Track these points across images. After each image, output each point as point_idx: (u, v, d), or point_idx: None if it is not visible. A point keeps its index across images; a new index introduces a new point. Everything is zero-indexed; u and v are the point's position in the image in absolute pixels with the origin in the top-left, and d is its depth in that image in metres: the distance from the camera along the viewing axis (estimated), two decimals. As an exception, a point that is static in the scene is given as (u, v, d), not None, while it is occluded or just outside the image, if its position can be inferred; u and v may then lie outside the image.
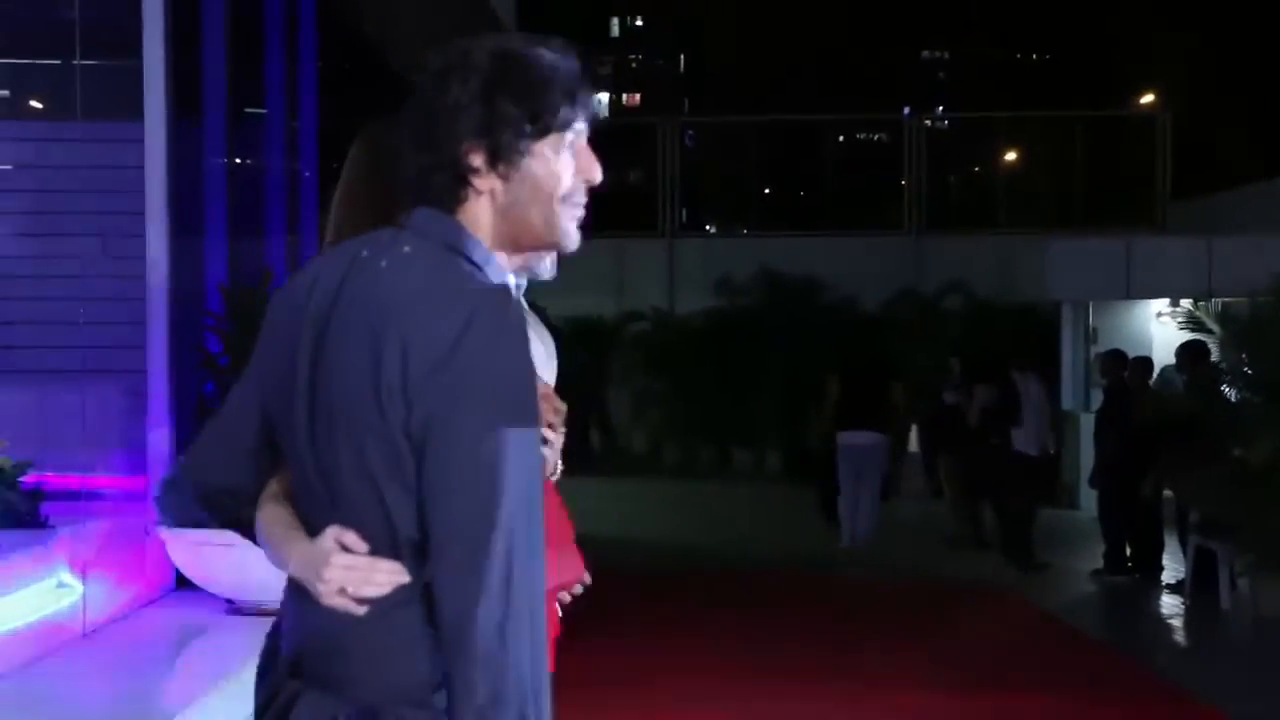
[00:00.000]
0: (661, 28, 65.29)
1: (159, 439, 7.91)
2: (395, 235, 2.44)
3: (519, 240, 2.48)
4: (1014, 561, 13.88)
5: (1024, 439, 14.18)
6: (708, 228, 29.04)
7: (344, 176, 3.08)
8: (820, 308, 22.67)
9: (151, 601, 7.83)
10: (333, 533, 2.37)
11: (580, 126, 2.48)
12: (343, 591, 2.36)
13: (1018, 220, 26.23)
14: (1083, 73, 50.43)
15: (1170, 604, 12.65)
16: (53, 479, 7.49)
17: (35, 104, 9.78)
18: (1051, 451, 14.46)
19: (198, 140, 8.56)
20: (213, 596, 7.59)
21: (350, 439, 2.33)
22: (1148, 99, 36.42)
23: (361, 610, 2.35)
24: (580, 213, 2.50)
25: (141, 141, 7.96)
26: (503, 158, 2.41)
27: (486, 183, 2.43)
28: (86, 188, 8.48)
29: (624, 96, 66.99)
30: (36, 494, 7.15)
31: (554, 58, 2.46)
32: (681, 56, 65.08)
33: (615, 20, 68.67)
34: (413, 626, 2.33)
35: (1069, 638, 11.17)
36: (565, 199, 2.47)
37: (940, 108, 47.11)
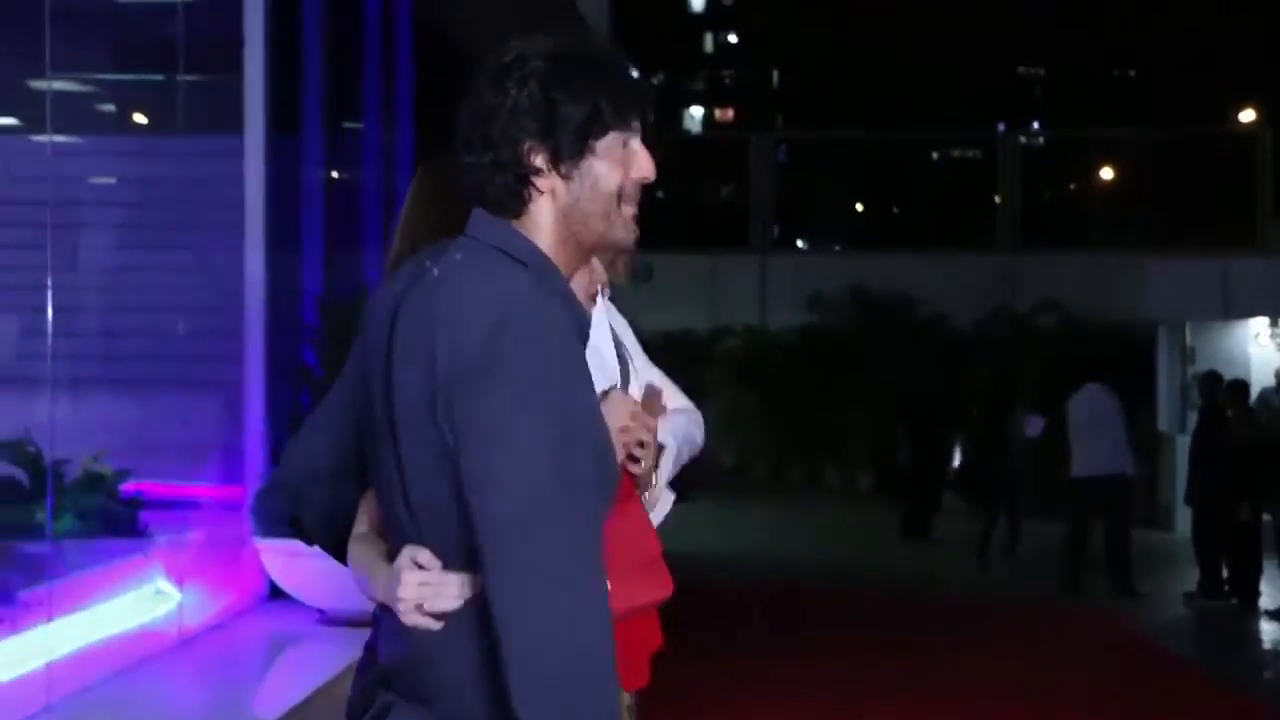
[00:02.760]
0: (755, 43, 65.25)
1: (255, 449, 8.00)
2: (454, 243, 2.48)
3: (580, 239, 2.49)
4: (1118, 587, 13.64)
5: (1085, 460, 13.87)
6: (800, 244, 28.98)
7: (406, 206, 3.14)
8: (912, 325, 22.56)
9: (246, 610, 7.91)
10: (408, 552, 2.40)
11: (636, 125, 2.50)
12: (419, 608, 2.38)
13: (1114, 239, 26.00)
14: (1181, 89, 49.90)
15: (1270, 630, 12.47)
16: (152, 487, 7.60)
17: (139, 118, 9.93)
18: (1128, 472, 13.92)
19: (296, 154, 8.66)
20: (306, 606, 7.66)
21: (416, 443, 2.35)
22: (1248, 115, 35.96)
23: (438, 625, 2.37)
24: (634, 210, 2.52)
25: (241, 155, 8.07)
26: (564, 157, 2.43)
27: (548, 183, 2.45)
28: (187, 200, 8.60)
29: (717, 112, 67.00)
30: (135, 502, 7.27)
31: (609, 57, 2.50)
32: (775, 72, 65.00)
33: (709, 35, 68.73)
34: (475, 639, 2.33)
35: (1162, 661, 11.04)
36: (623, 197, 2.49)
37: (1035, 124, 46.76)
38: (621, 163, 2.47)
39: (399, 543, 2.44)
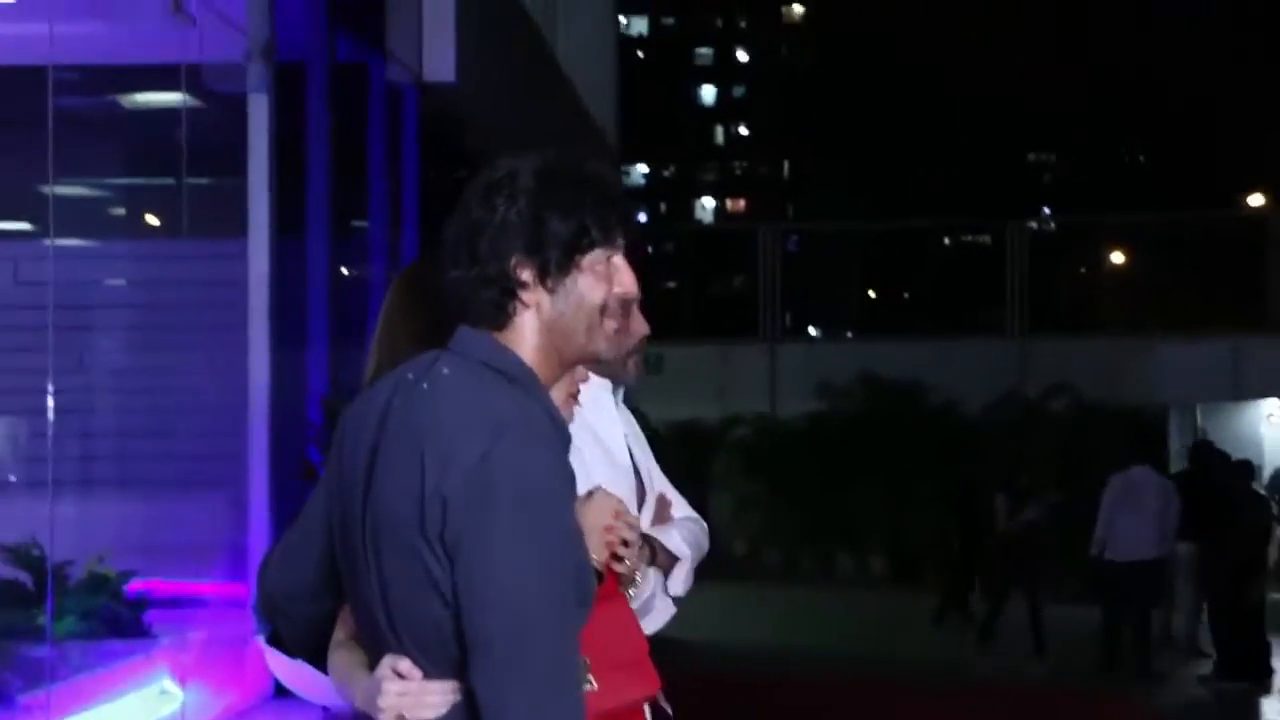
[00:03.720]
0: (766, 135, 65.67)
1: (259, 547, 8.04)
2: (437, 356, 2.52)
3: (563, 352, 2.54)
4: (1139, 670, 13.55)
5: (1128, 544, 13.67)
6: (810, 331, 29.06)
7: (383, 315, 3.17)
8: (923, 411, 22.56)
9: (250, 709, 7.91)
10: (388, 661, 2.43)
11: (620, 242, 2.55)
12: (401, 718, 2.41)
13: (1124, 322, 26.04)
14: (1190, 173, 50.08)
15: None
16: (156, 585, 7.63)
17: (147, 221, 10.04)
18: (1165, 556, 13.76)
19: (300, 254, 8.75)
20: (310, 705, 7.67)
21: (398, 555, 2.40)
22: (1256, 199, 36.09)
23: None
24: (616, 325, 2.57)
25: (245, 257, 8.17)
26: (551, 273, 2.48)
27: (534, 296, 2.49)
28: (193, 302, 8.69)
29: (728, 202, 67.34)
30: (140, 603, 7.30)
31: (598, 175, 2.55)
32: (785, 163, 65.37)
33: (719, 128, 69.19)
34: None
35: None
36: (606, 311, 2.54)
37: (1046, 209, 46.94)
38: (605, 278, 2.52)
39: (378, 652, 2.47)
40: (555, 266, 2.47)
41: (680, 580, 3.49)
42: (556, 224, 2.46)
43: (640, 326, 3.52)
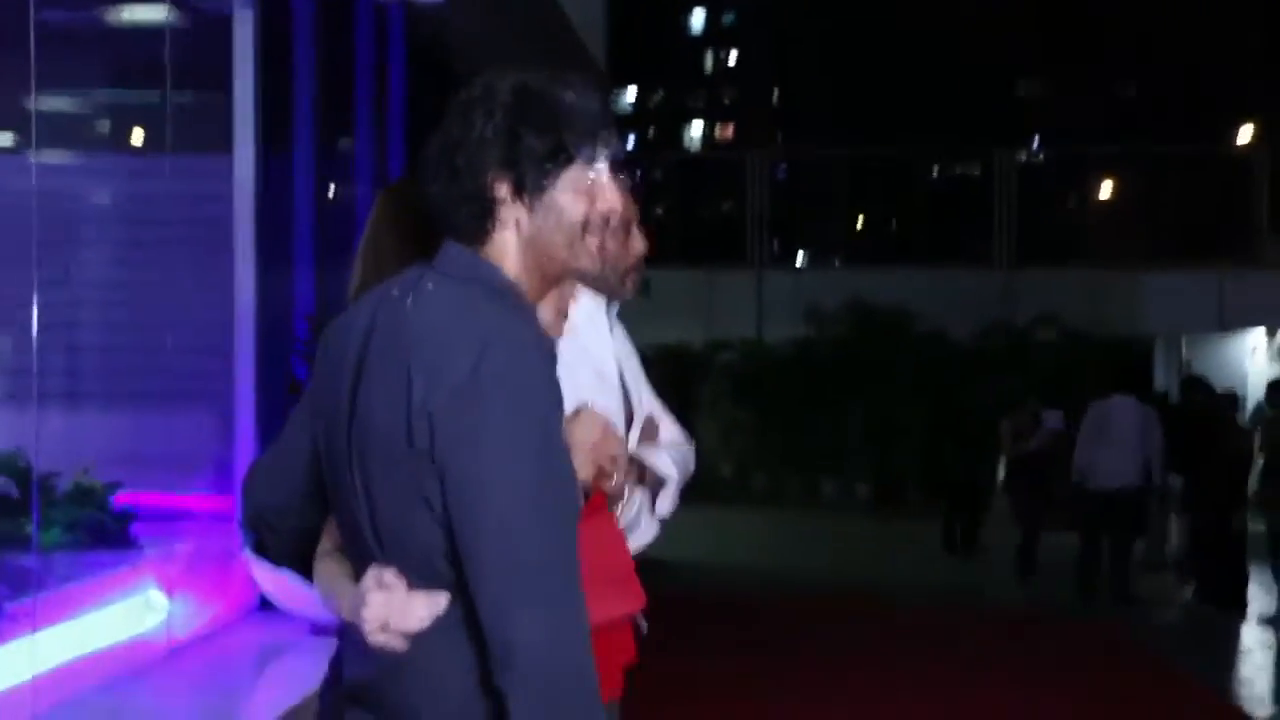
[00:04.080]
0: (754, 61, 65.35)
1: (245, 461, 8.07)
2: (422, 272, 2.53)
3: (544, 268, 2.56)
4: (1117, 597, 13.66)
5: (1110, 472, 13.77)
6: (798, 258, 29.06)
7: (367, 230, 3.18)
8: (909, 339, 22.62)
9: (236, 621, 7.97)
10: (373, 572, 2.45)
11: (602, 162, 2.56)
12: (385, 627, 2.42)
13: (1111, 255, 26.05)
14: (1179, 106, 49.95)
15: (1262, 638, 12.50)
16: (142, 499, 7.67)
17: (132, 138, 10.01)
18: (1156, 483, 13.84)
19: (286, 172, 8.74)
20: (295, 618, 7.72)
21: (385, 470, 2.41)
22: (1246, 132, 36.04)
23: (404, 645, 2.42)
24: (599, 240, 2.57)
25: (231, 174, 8.15)
26: (527, 188, 2.50)
27: (512, 212, 2.51)
28: (179, 218, 8.68)
29: (716, 129, 67.09)
30: (126, 514, 7.34)
31: (576, 94, 2.55)
32: (774, 90, 65.08)
33: (709, 54, 68.84)
34: (460, 651, 2.39)
35: (1156, 671, 11.09)
36: (588, 228, 2.55)
37: (1035, 141, 46.85)
38: (587, 194, 2.53)
39: (363, 565, 2.49)
40: (531, 182, 2.49)
41: (667, 501, 3.52)
42: (532, 139, 2.48)
43: (638, 246, 3.55)
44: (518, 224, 2.51)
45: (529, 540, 2.31)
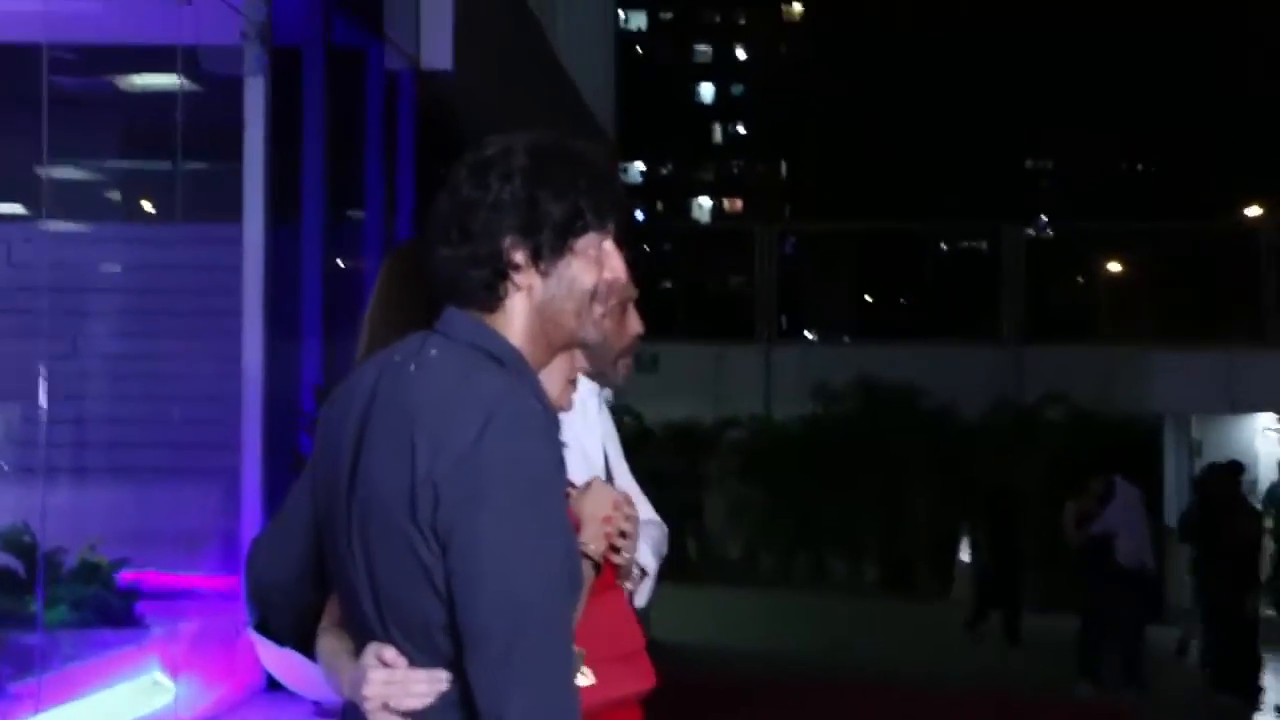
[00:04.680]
0: (764, 135, 65.71)
1: (251, 537, 7.95)
2: (425, 339, 2.47)
3: (551, 337, 2.50)
4: (1128, 679, 13.49)
5: (1123, 554, 13.66)
6: (807, 335, 29.03)
7: (375, 294, 3.12)
8: (918, 416, 22.53)
9: (242, 702, 7.84)
10: (373, 649, 2.39)
11: (611, 226, 2.52)
12: (386, 707, 2.37)
13: (1120, 332, 26.02)
14: (1188, 184, 50.14)
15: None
16: (148, 577, 7.57)
17: (143, 206, 9.98)
18: (1150, 567, 13.78)
19: (295, 242, 8.67)
20: (301, 699, 7.58)
21: (386, 541, 2.36)
22: (1254, 210, 36.11)
23: None
24: (603, 310, 2.55)
25: (240, 242, 8.09)
26: (544, 255, 2.45)
27: (526, 279, 2.45)
28: (187, 288, 8.62)
29: (725, 202, 67.39)
30: (131, 593, 7.23)
31: (591, 156, 2.51)
32: (784, 163, 65.42)
33: (718, 127, 69.24)
34: None
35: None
36: (596, 297, 2.51)
37: (1043, 217, 46.98)
38: (596, 262, 2.48)
39: (363, 639, 2.43)
40: (549, 249, 2.44)
41: (645, 593, 3.43)
42: (551, 205, 2.43)
43: (635, 326, 3.47)
44: (530, 290, 2.46)
45: (526, 616, 2.27)
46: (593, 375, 3.42)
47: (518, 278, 2.44)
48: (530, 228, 2.43)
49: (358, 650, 2.44)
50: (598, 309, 2.52)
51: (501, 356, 2.43)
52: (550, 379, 2.77)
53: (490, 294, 2.45)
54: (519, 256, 2.43)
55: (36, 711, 5.80)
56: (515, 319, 2.46)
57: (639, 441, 22.15)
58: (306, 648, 2.69)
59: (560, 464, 2.40)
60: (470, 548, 2.28)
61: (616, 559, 2.97)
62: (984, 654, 15.68)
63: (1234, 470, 14.10)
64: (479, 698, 2.27)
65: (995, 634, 15.88)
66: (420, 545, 2.31)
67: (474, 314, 2.46)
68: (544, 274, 2.45)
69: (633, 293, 3.44)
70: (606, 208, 2.49)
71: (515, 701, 2.24)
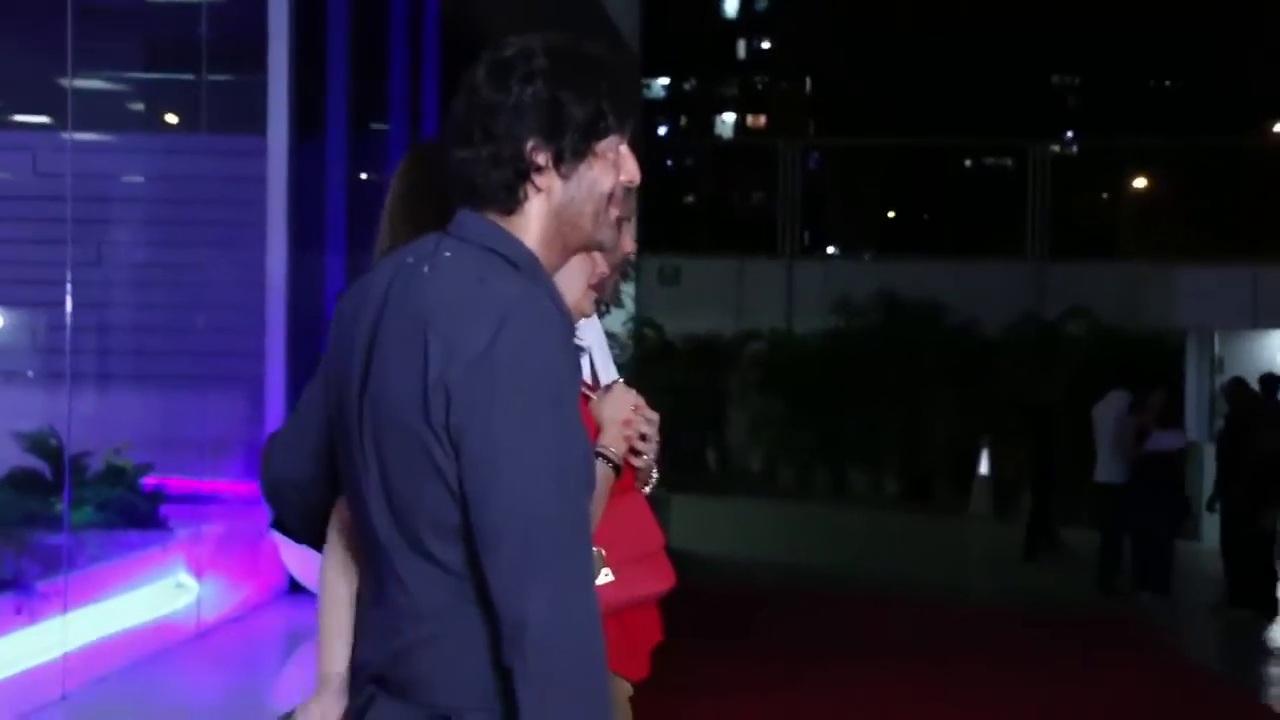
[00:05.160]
0: (788, 50, 65.16)
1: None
2: (438, 240, 2.47)
3: (567, 239, 2.51)
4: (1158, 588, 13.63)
5: (1112, 466, 13.79)
6: (829, 250, 28.96)
7: (392, 193, 3.11)
8: (939, 331, 22.51)
9: (264, 603, 7.97)
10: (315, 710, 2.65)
11: (628, 128, 2.52)
12: None
13: (1144, 248, 25.89)
14: (1214, 99, 49.69)
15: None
16: (173, 482, 7.66)
17: (167, 117, 10.00)
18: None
19: (319, 153, 8.72)
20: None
21: (399, 442, 2.37)
22: (1281, 126, 35.80)
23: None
24: (617, 213, 2.56)
25: (264, 154, 8.13)
26: (566, 158, 2.45)
27: (547, 181, 2.45)
28: (212, 198, 8.67)
29: (749, 118, 66.94)
30: (156, 496, 7.34)
31: (611, 58, 2.51)
32: (808, 79, 64.90)
33: (741, 42, 68.68)
34: (472, 626, 2.36)
35: (1186, 673, 11.01)
36: (613, 199, 2.51)
37: (1069, 133, 46.64)
38: (614, 165, 2.49)
39: (373, 540, 2.44)
40: (572, 151, 2.44)
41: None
42: (574, 107, 2.43)
43: (628, 244, 3.48)
44: (549, 193, 2.45)
45: (543, 517, 2.28)
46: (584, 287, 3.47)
47: (538, 179, 2.43)
48: (554, 130, 2.42)
49: (363, 557, 2.49)
50: (614, 211, 2.53)
51: (516, 260, 2.42)
52: (570, 282, 2.79)
53: (510, 195, 2.44)
54: (541, 158, 2.42)
55: (64, 610, 5.91)
56: (532, 221, 2.46)
57: (660, 354, 22.23)
58: (321, 545, 2.72)
59: (575, 367, 2.40)
60: (484, 450, 2.28)
61: (636, 462, 3.00)
62: (1002, 569, 15.79)
63: (1268, 383, 14.08)
64: (498, 599, 2.28)
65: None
66: (434, 446, 2.31)
67: (489, 216, 2.45)
68: (564, 176, 2.44)
69: (631, 210, 3.41)
70: (626, 110, 2.48)
71: (535, 600, 2.24)
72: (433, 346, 2.32)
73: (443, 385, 2.30)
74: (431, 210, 2.81)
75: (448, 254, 2.43)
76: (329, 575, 2.70)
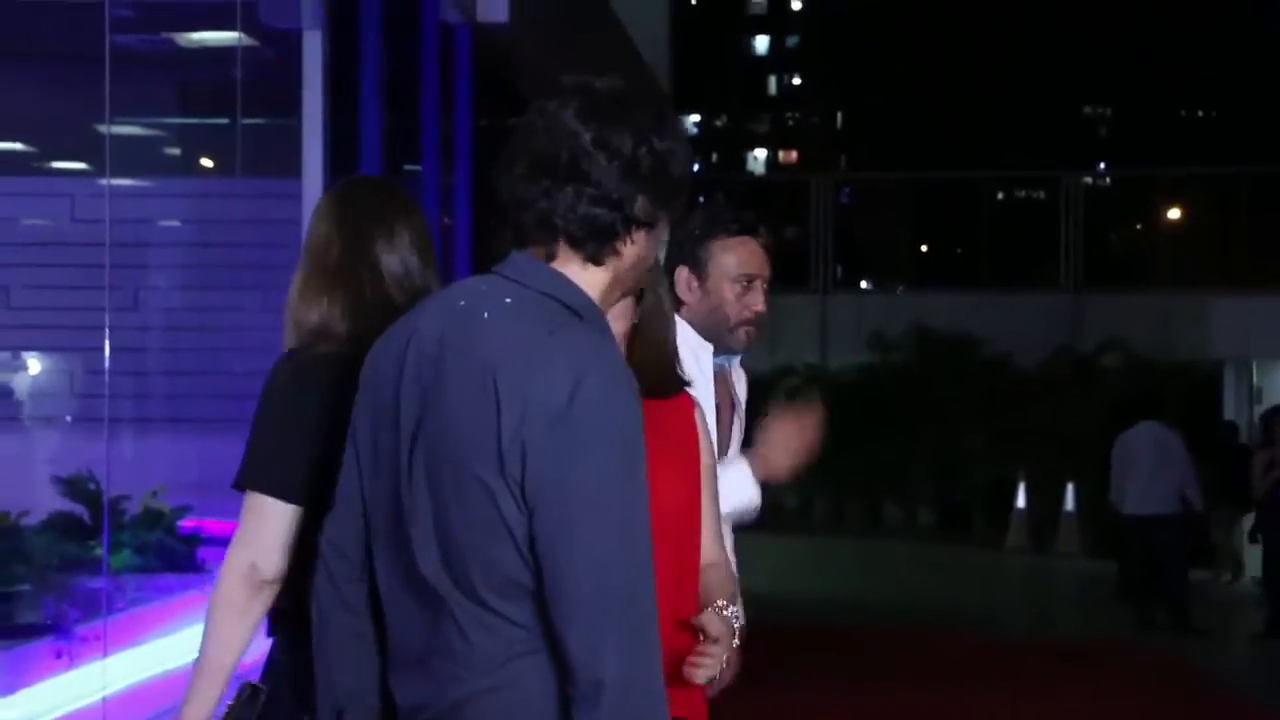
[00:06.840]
0: (819, 86, 65.30)
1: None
2: (493, 284, 2.46)
3: (626, 289, 2.57)
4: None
5: (1142, 498, 13.61)
6: (862, 284, 28.94)
7: (323, 228, 3.27)
8: (974, 364, 22.45)
9: (302, 647, 7.96)
10: None
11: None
12: None
13: (1179, 278, 25.80)
14: (1247, 128, 49.57)
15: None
16: (209, 524, 7.68)
17: (202, 161, 10.07)
18: (1182, 511, 13.63)
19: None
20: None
21: (461, 488, 2.36)
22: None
23: None
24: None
25: (299, 197, 8.16)
26: (663, 219, 2.50)
27: (640, 237, 2.48)
28: (247, 242, 8.71)
29: (780, 153, 67.05)
30: (194, 539, 7.35)
31: (686, 148, 2.53)
32: (839, 114, 65.02)
33: (772, 78, 68.86)
34: (536, 678, 2.36)
35: (1225, 704, 10.92)
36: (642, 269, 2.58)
37: (1101, 164, 46.58)
38: (658, 238, 2.54)
39: (414, 585, 2.42)
40: (672, 213, 2.50)
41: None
42: (677, 169, 2.46)
43: (757, 303, 3.89)
44: (628, 249, 2.47)
45: (618, 574, 2.29)
46: (713, 340, 3.84)
47: (635, 235, 2.45)
48: (665, 194, 2.45)
49: (381, 601, 2.50)
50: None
51: (579, 309, 2.42)
52: (615, 328, 2.84)
53: (601, 246, 2.44)
54: (645, 216, 2.44)
55: (104, 654, 5.93)
56: (600, 274, 2.46)
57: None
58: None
59: (641, 422, 2.38)
60: (561, 509, 2.29)
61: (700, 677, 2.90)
62: (1037, 601, 15.73)
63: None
64: (574, 657, 2.28)
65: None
66: (504, 499, 2.31)
67: (543, 261, 2.44)
68: (635, 241, 2.47)
69: (766, 271, 3.86)
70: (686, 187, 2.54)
71: (612, 660, 2.26)
72: (505, 398, 2.31)
73: (519, 440, 2.29)
74: (361, 247, 3.08)
75: (508, 300, 2.41)
76: (228, 618, 2.94)
